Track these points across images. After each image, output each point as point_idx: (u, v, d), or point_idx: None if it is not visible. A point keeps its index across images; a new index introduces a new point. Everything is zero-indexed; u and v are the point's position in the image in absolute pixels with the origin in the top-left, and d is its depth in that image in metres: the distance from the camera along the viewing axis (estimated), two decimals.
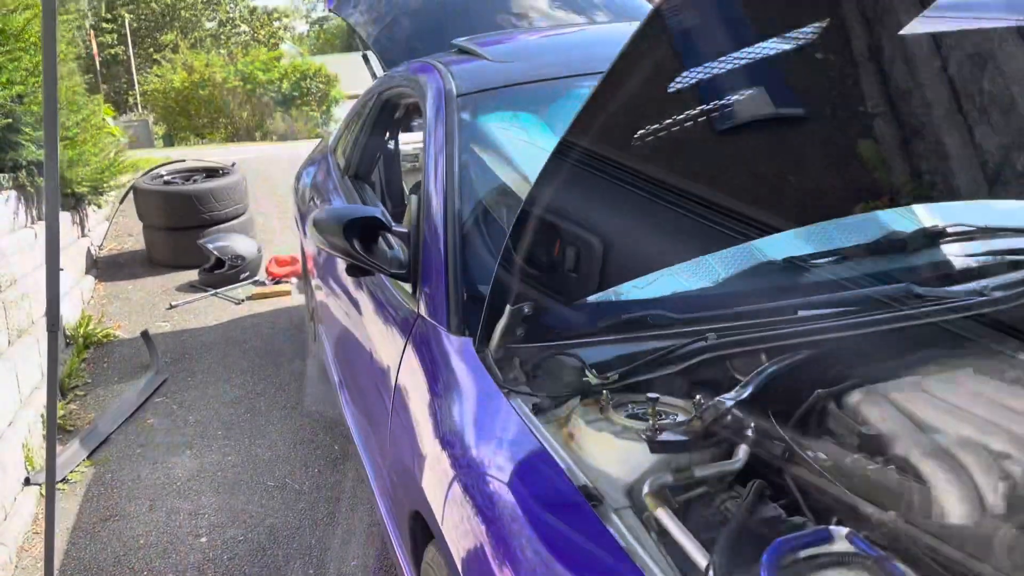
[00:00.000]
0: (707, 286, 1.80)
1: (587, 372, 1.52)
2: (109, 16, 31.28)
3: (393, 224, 2.05)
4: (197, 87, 23.88)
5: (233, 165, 6.53)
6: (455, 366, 1.68)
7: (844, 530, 1.13)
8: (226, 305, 5.36)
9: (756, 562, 1.08)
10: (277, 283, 5.61)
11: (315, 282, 3.61)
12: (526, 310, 1.53)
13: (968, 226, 1.92)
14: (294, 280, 5.60)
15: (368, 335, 2.32)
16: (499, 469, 1.38)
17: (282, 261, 5.75)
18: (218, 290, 5.52)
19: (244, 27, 37.38)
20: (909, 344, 1.61)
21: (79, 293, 5.38)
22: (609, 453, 1.34)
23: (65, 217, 5.75)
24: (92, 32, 24.47)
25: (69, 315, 4.90)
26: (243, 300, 5.37)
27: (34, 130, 4.21)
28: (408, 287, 2.00)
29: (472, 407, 1.57)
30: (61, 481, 3.32)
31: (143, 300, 5.51)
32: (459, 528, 1.40)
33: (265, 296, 5.42)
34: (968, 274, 1.81)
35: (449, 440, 1.55)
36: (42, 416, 3.72)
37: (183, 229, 5.96)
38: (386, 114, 3.20)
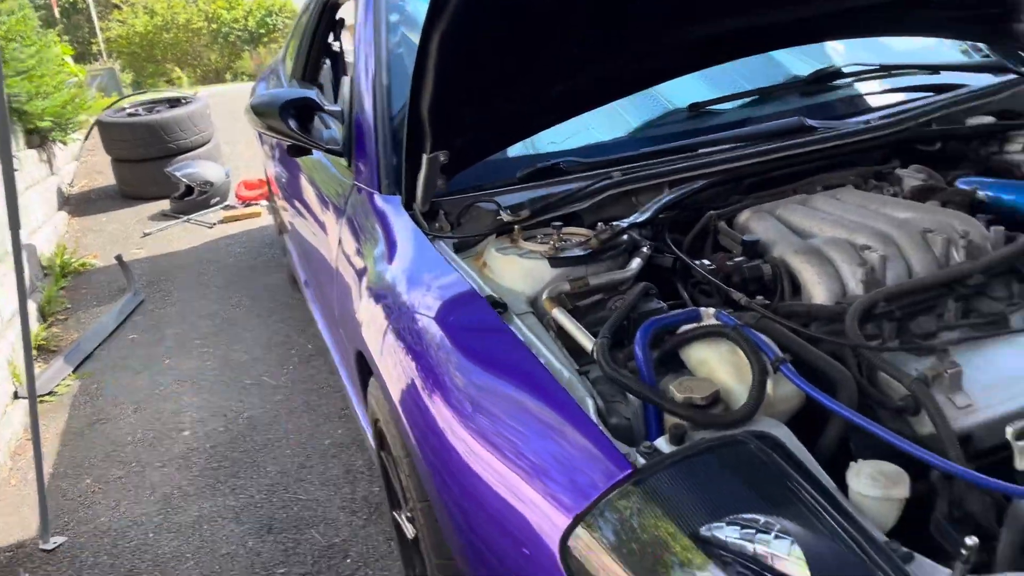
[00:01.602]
0: (618, 136, 1.91)
1: (501, 212, 1.65)
2: None
3: (327, 104, 2.15)
4: (161, 30, 23.40)
5: (196, 95, 6.53)
6: (387, 223, 1.81)
7: (711, 310, 1.28)
8: (199, 230, 5.45)
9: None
10: (247, 206, 5.70)
11: (277, 197, 3.72)
12: (442, 158, 1.64)
13: (861, 64, 2.04)
14: (263, 202, 5.69)
15: (317, 219, 2.44)
16: (425, 306, 1.52)
17: (251, 184, 5.83)
18: (190, 216, 5.61)
19: None
20: (799, 171, 1.75)
21: (52, 228, 5.47)
22: (515, 272, 1.48)
23: (32, 155, 5.79)
24: None
25: (44, 248, 5.00)
26: (215, 224, 5.47)
27: None
28: (344, 162, 2.11)
29: (402, 257, 1.70)
30: (48, 394, 3.48)
31: (117, 231, 5.59)
32: (392, 365, 1.54)
33: (236, 218, 5.52)
34: (857, 109, 1.93)
35: (381, 292, 1.69)
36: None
37: (151, 160, 6.01)
38: (328, 15, 3.26)
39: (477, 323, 1.37)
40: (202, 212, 5.63)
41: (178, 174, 5.64)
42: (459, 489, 1.23)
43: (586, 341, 1.28)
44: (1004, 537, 0.99)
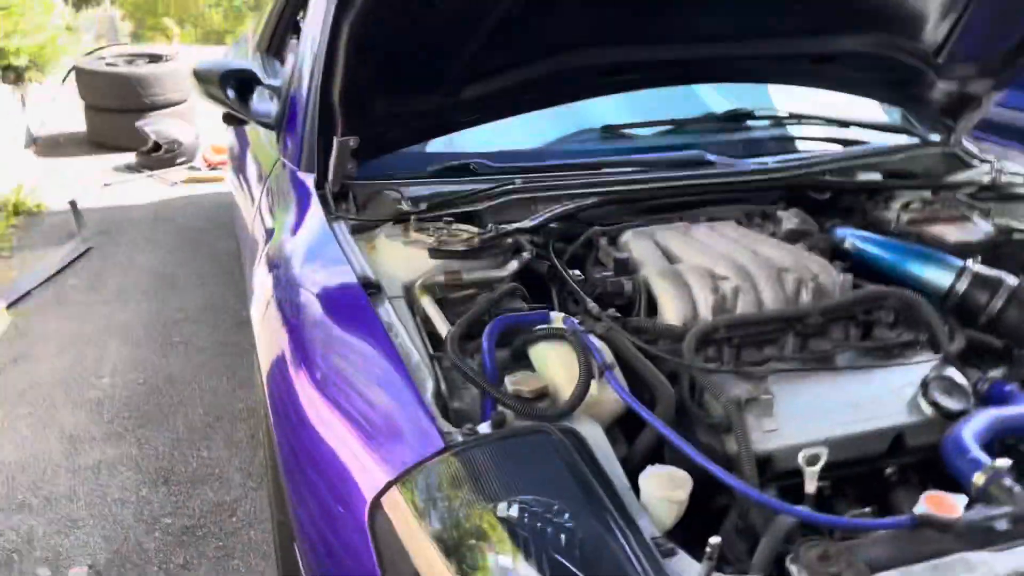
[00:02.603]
0: (533, 146, 2.02)
1: (402, 202, 1.74)
2: None
3: (267, 79, 2.23)
4: None
5: (177, 53, 6.56)
6: (299, 198, 1.89)
7: (561, 315, 1.38)
8: (160, 187, 5.49)
9: None
10: (213, 170, 5.73)
11: (231, 166, 3.79)
12: (351, 143, 1.73)
13: (774, 110, 2.16)
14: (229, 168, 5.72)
15: (250, 189, 2.52)
16: (308, 281, 1.60)
17: (219, 149, 5.85)
18: (154, 172, 5.63)
19: None
20: (691, 201, 1.86)
21: (16, 165, 5.47)
22: (397, 259, 1.57)
23: (5, 90, 5.80)
24: None
25: (2, 184, 5.01)
26: (177, 183, 5.51)
27: None
28: (274, 135, 2.19)
29: (301, 232, 1.78)
30: None
31: (79, 177, 5.60)
32: (267, 334, 1.63)
33: (199, 181, 5.55)
34: (761, 151, 2.05)
35: (275, 263, 1.77)
36: None
37: (124, 112, 6.01)
38: None
39: (347, 300, 1.46)
40: (166, 170, 5.66)
41: (147, 129, 5.67)
42: (298, 447, 1.32)
43: (444, 329, 1.37)
44: (762, 544, 1.10)
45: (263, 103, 2.27)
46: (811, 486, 1.16)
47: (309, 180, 1.90)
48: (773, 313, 1.46)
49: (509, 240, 1.63)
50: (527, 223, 1.68)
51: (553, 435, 1.14)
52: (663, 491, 1.11)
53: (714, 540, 0.97)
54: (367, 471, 1.17)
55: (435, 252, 1.54)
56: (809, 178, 1.93)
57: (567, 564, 0.99)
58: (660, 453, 1.28)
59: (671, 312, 1.48)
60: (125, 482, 2.53)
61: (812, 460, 1.16)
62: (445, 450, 1.12)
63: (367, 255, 1.60)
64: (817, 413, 1.34)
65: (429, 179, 1.87)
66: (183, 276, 4.14)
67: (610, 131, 2.05)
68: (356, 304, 1.43)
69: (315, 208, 1.79)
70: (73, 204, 4.65)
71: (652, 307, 1.52)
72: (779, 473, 1.29)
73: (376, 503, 1.12)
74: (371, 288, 1.45)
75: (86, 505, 2.42)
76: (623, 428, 1.32)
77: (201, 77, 2.17)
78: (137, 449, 2.70)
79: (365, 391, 1.29)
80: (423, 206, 1.73)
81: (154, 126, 5.73)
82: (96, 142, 6.26)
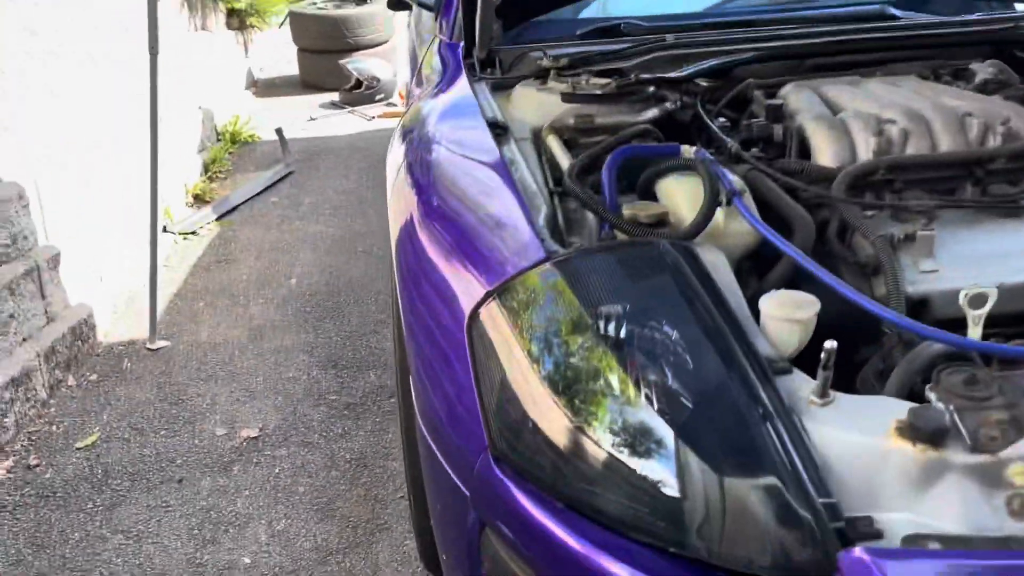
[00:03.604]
0: (692, 10, 1.88)
1: (544, 59, 1.68)
2: None
3: None
4: None
5: None
6: (445, 66, 1.89)
7: (692, 148, 1.27)
8: (359, 120, 5.77)
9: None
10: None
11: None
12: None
13: None
14: None
15: (413, 79, 2.56)
16: (440, 136, 1.58)
17: None
18: (354, 107, 5.93)
19: None
20: (870, 60, 1.65)
21: (236, 103, 5.96)
22: (529, 104, 1.52)
23: (230, 36, 6.30)
24: None
25: (223, 117, 5.47)
26: (374, 117, 5.76)
27: None
28: (434, 17, 2.20)
29: (442, 96, 1.78)
30: (192, 233, 3.88)
31: (289, 112, 6.01)
32: (395, 204, 1.61)
33: (394, 116, 5.77)
34: (955, 7, 1.78)
35: (410, 128, 1.77)
36: (185, 185, 4.30)
37: (331, 52, 6.36)
38: None
39: (472, 142, 1.43)
40: (366, 105, 5.94)
41: (350, 67, 5.96)
42: (414, 267, 1.32)
43: (566, 162, 1.31)
44: (897, 369, 0.95)
45: None
46: (975, 332, 0.99)
47: (458, 51, 1.88)
48: (948, 155, 1.26)
49: (651, 89, 1.52)
50: (673, 74, 1.56)
51: (661, 246, 1.04)
52: (783, 311, 0.98)
53: (829, 344, 0.85)
54: (470, 283, 1.14)
55: (568, 96, 1.48)
56: (1018, 32, 1.65)
57: (662, 373, 0.91)
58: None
59: (825, 155, 1.32)
60: (299, 363, 2.69)
61: (977, 302, 0.99)
62: (545, 260, 1.06)
63: (501, 105, 1.56)
64: (989, 258, 1.14)
65: (577, 42, 1.79)
66: (370, 197, 4.32)
67: None
68: (481, 145, 1.40)
69: (460, 73, 1.77)
70: (279, 132, 4.99)
71: (805, 155, 1.36)
72: (937, 322, 1.12)
73: (475, 313, 1.08)
74: (497, 129, 1.41)
75: (263, 381, 2.60)
76: (755, 266, 1.20)
77: None
78: (313, 337, 2.86)
79: (479, 215, 1.26)
80: (563, 61, 1.65)
81: (356, 64, 6.02)
82: (307, 83, 6.69)
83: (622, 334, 0.95)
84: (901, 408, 0.85)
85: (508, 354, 1.01)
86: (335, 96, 6.27)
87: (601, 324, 0.97)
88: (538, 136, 1.45)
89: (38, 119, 2.84)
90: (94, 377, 2.67)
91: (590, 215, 1.22)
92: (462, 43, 1.88)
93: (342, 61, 6.01)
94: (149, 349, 2.83)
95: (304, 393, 2.52)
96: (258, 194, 4.40)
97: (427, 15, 2.85)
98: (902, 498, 0.80)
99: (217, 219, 4.06)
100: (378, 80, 6.00)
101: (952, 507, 0.79)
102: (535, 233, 1.13)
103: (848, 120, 1.34)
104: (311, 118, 5.83)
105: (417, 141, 1.65)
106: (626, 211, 1.16)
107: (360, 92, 5.99)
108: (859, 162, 1.26)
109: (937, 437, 0.81)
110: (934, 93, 1.45)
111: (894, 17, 1.70)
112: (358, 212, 4.10)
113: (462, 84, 1.70)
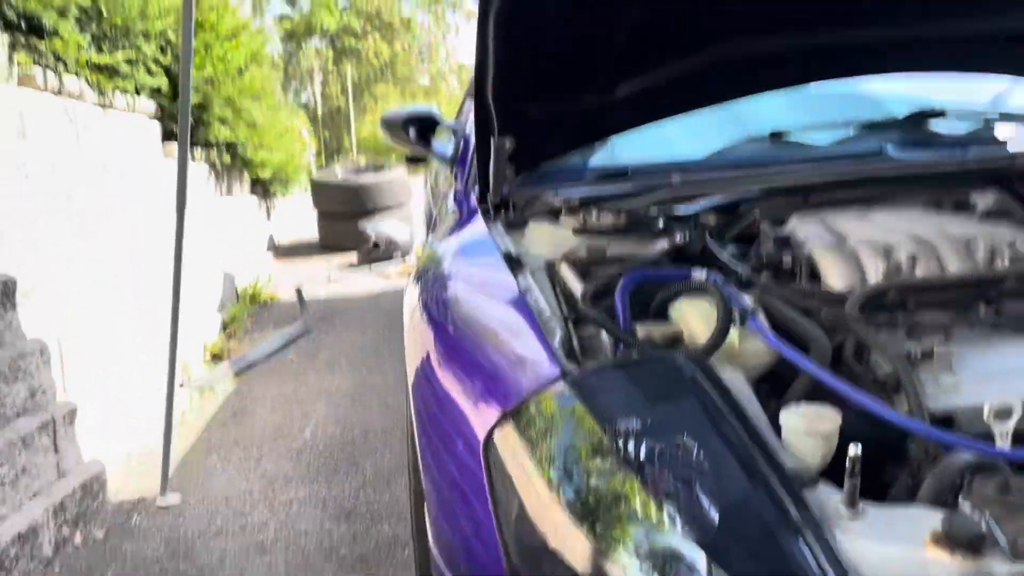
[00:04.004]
0: (696, 156, 1.95)
1: (557, 198, 1.73)
2: (332, 70, 34.44)
3: (445, 121, 2.37)
4: None
5: (396, 165, 7.18)
6: (458, 213, 1.96)
7: (704, 271, 1.29)
8: (376, 279, 5.91)
9: None
10: None
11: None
12: (508, 144, 1.76)
13: (967, 107, 1.95)
14: None
15: (428, 224, 2.64)
16: (453, 271, 1.62)
17: None
18: (372, 267, 6.09)
19: (454, 81, 39.91)
20: (873, 195, 1.69)
21: (256, 264, 6.14)
22: (543, 238, 1.55)
23: (253, 200, 6.59)
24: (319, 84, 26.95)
25: (243, 278, 5.62)
26: (391, 276, 5.91)
27: (221, 109, 4.95)
28: (449, 169, 2.30)
29: (456, 237, 1.83)
30: (209, 388, 3.89)
31: (308, 273, 6.19)
32: (412, 341, 1.63)
33: (410, 273, 5.92)
34: (946, 142, 1.85)
35: (424, 269, 1.81)
36: (204, 343, 4.35)
37: (350, 216, 6.63)
38: None
39: (487, 273, 1.46)
40: (383, 264, 6.11)
41: (368, 229, 6.18)
42: (428, 393, 1.31)
43: (580, 288, 1.32)
44: (929, 479, 0.92)
45: (442, 145, 2.40)
46: (1002, 444, 0.97)
47: (472, 195, 1.96)
48: (960, 276, 1.27)
49: (660, 222, 1.56)
50: (682, 209, 1.61)
51: (680, 361, 1.04)
52: (806, 424, 0.96)
53: (853, 449, 0.83)
54: (485, 406, 1.12)
55: (580, 230, 1.52)
56: (1017, 167, 1.70)
57: (687, 492, 0.88)
58: None
59: (835, 279, 1.33)
60: (312, 516, 2.62)
61: (1003, 415, 0.98)
62: (560, 379, 1.06)
63: (515, 241, 1.60)
64: (1008, 373, 1.12)
65: (587, 184, 1.86)
66: (386, 350, 4.36)
67: (778, 138, 1.94)
68: (496, 276, 1.42)
69: (474, 216, 1.83)
70: (299, 291, 5.11)
71: (815, 281, 1.38)
72: None
73: (490, 437, 1.07)
74: (512, 261, 1.44)
75: (275, 534, 2.52)
76: (772, 388, 1.18)
77: (387, 123, 2.34)
78: (326, 489, 2.80)
79: (494, 341, 1.26)
80: (575, 201, 1.71)
81: (374, 227, 6.24)
82: (326, 245, 6.92)
83: (643, 452, 0.93)
84: (934, 517, 0.81)
85: (526, 481, 0.99)
86: (353, 257, 6.47)
87: (620, 443, 0.95)
88: (552, 267, 1.47)
89: (64, 283, 2.93)
90: (101, 534, 2.60)
91: (605, 340, 1.22)
92: (476, 188, 1.96)
93: (361, 224, 6.24)
94: (160, 505, 2.77)
95: (316, 546, 2.44)
96: (276, 351, 4.45)
97: (442, 176, 2.99)
98: None
99: (235, 375, 4.09)
100: (395, 241, 6.20)
101: None
102: (551, 353, 1.13)
103: (856, 246, 1.37)
104: (329, 278, 5.99)
105: (432, 279, 1.68)
106: (640, 332, 1.17)
107: (378, 252, 6.18)
108: (870, 285, 1.27)
109: (975, 545, 0.77)
110: (938, 221, 1.48)
111: (892, 156, 1.76)
112: (373, 366, 4.12)
113: (477, 224, 1.75)
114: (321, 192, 6.79)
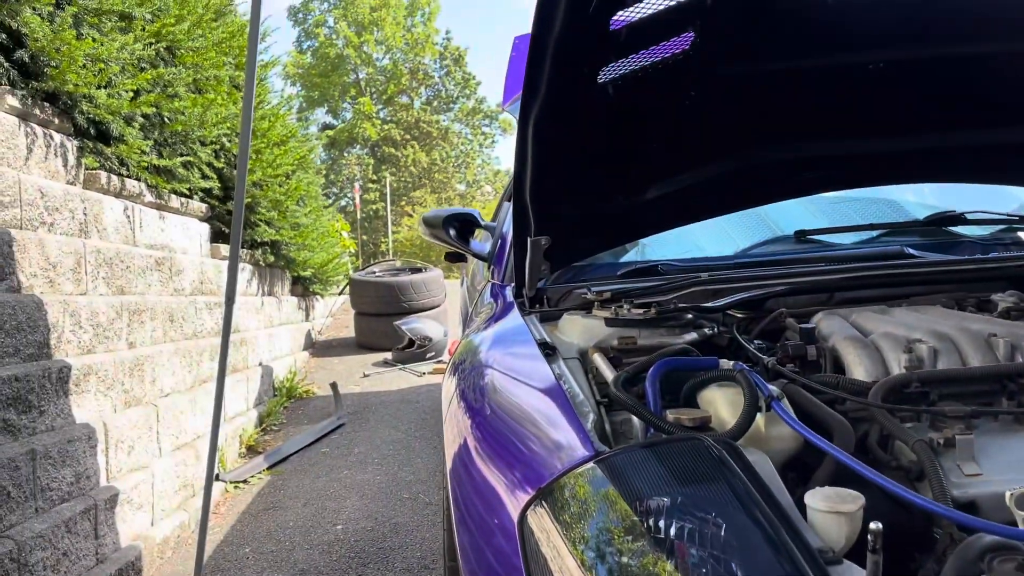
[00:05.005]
0: (725, 253, 2.04)
1: (587, 291, 1.82)
2: (374, 177, 35.64)
3: (484, 221, 2.49)
4: None
5: (432, 266, 7.36)
6: (495, 304, 2.04)
7: (731, 362, 1.35)
8: (410, 377, 5.98)
9: None
10: None
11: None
12: (543, 242, 1.86)
13: (985, 212, 2.02)
14: None
15: (466, 324, 2.73)
16: (490, 359, 1.69)
17: None
18: (406, 365, 6.17)
19: (488, 188, 41.01)
20: (894, 294, 1.75)
21: (293, 360, 6.26)
22: (576, 329, 1.63)
23: (293, 301, 6.77)
24: (358, 189, 27.91)
25: (281, 373, 5.73)
26: (424, 373, 5.97)
27: (267, 211, 5.17)
28: (486, 266, 2.40)
29: (493, 329, 1.91)
30: (243, 482, 3.93)
31: (344, 370, 6.28)
32: (449, 431, 1.69)
33: (443, 372, 5.98)
34: (967, 244, 1.91)
35: (461, 359, 1.89)
36: (240, 435, 4.42)
37: (386, 315, 6.76)
38: None
39: (522, 361, 1.53)
40: (417, 363, 6.18)
41: (404, 328, 6.29)
42: (464, 476, 1.36)
43: (611, 375, 1.39)
44: (949, 561, 0.94)
45: (479, 244, 2.51)
46: None
47: (508, 289, 2.05)
48: (980, 369, 1.32)
49: (689, 315, 1.63)
50: (710, 304, 1.68)
51: (707, 441, 1.09)
52: (830, 504, 1.00)
53: (875, 526, 0.87)
54: (520, 487, 1.17)
55: (612, 321, 1.59)
56: None
57: (714, 569, 0.92)
58: None
59: (859, 371, 1.38)
60: None
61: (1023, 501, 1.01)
62: (592, 459, 1.11)
63: (549, 331, 1.68)
64: None
65: (618, 280, 1.94)
66: (418, 446, 4.39)
67: (803, 236, 2.02)
68: (531, 363, 1.49)
69: (511, 309, 1.92)
70: (334, 386, 5.19)
71: (839, 373, 1.43)
72: None
73: (523, 516, 1.11)
74: (547, 349, 1.51)
75: None
76: (797, 474, 1.22)
77: (428, 222, 2.47)
78: None
79: (528, 423, 1.32)
80: (606, 295, 1.79)
81: (409, 325, 6.36)
82: (362, 344, 7.03)
83: (672, 531, 0.97)
84: None
85: (560, 562, 1.03)
86: (388, 355, 6.56)
87: (651, 522, 0.99)
88: (584, 356, 1.54)
89: (112, 370, 3.04)
90: None
91: (636, 425, 1.27)
92: (512, 283, 2.05)
93: (396, 323, 6.36)
94: None
95: None
96: (309, 444, 4.50)
97: (479, 275, 3.10)
98: None
99: (268, 468, 4.13)
100: (430, 339, 6.29)
101: None
102: (584, 436, 1.18)
103: (878, 340, 1.42)
104: (364, 374, 6.07)
105: (470, 367, 1.75)
106: (670, 416, 1.22)
107: (412, 351, 6.27)
108: (893, 375, 1.32)
109: None
110: (959, 318, 1.53)
111: (913, 256, 1.82)
112: (405, 461, 4.15)
113: (513, 316, 1.83)
114: (358, 291, 6.95)
